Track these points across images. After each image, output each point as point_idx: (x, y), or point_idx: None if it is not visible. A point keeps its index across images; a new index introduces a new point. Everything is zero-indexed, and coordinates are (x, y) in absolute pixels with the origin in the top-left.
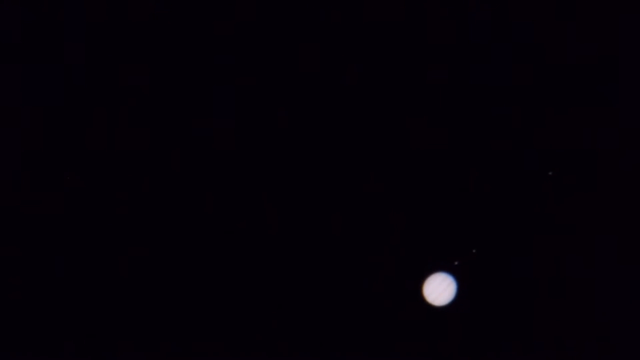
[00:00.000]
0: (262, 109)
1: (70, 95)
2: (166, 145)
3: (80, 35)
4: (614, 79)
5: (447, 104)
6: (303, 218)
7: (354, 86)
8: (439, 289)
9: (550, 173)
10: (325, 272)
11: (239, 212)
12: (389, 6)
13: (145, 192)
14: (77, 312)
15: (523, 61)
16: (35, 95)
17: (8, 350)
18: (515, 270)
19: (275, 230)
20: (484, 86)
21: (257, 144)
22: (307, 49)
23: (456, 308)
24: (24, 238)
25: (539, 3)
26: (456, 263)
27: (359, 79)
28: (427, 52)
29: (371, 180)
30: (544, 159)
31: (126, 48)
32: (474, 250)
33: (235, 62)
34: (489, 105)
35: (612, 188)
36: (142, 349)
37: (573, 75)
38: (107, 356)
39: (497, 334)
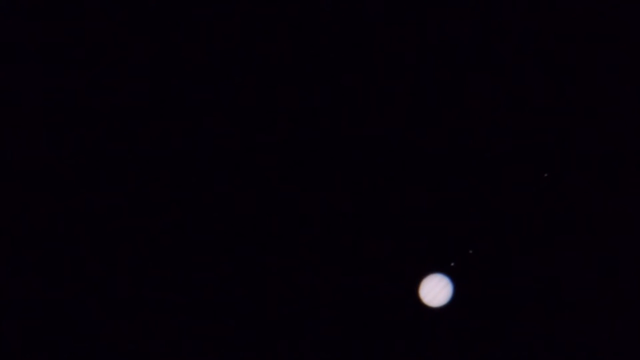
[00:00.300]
0: (261, 109)
1: (70, 95)
2: (166, 145)
3: (80, 35)
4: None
5: (442, 105)
6: (299, 218)
7: (353, 86)
8: (435, 290)
9: (545, 174)
10: (321, 273)
11: (237, 213)
12: (389, 6)
13: (145, 193)
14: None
15: (521, 62)
16: (34, 95)
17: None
18: (512, 271)
19: (272, 230)
20: (482, 86)
21: (256, 144)
22: (306, 49)
23: (452, 309)
24: (23, 238)
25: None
26: (452, 264)
27: (357, 78)
28: (425, 52)
29: (368, 182)
30: (540, 159)
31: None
32: (470, 251)
33: (235, 62)
34: (485, 106)
35: (610, 189)
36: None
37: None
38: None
39: (493, 335)
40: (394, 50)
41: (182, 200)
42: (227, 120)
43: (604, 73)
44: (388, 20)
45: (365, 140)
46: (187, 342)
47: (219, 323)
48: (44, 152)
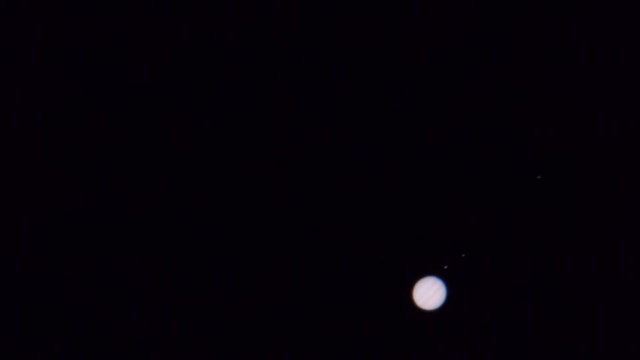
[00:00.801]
0: (261, 109)
1: (70, 96)
2: (167, 145)
3: (81, 35)
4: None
5: (435, 107)
6: (292, 221)
7: (350, 86)
8: (429, 293)
9: (539, 177)
10: (315, 276)
11: (235, 213)
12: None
13: (145, 193)
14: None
15: (519, 62)
16: (35, 96)
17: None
18: (505, 273)
19: (267, 231)
20: (475, 87)
21: (253, 144)
22: (306, 49)
23: (446, 312)
24: (23, 238)
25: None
26: (445, 267)
27: (355, 79)
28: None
29: (361, 184)
30: (533, 162)
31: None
32: (463, 255)
33: (236, 61)
34: (478, 108)
35: (603, 191)
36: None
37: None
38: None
39: (487, 337)
40: (394, 49)
41: (182, 200)
42: (227, 120)
43: (603, 73)
44: (388, 19)
45: (360, 143)
46: (187, 342)
47: (217, 323)
48: (44, 151)
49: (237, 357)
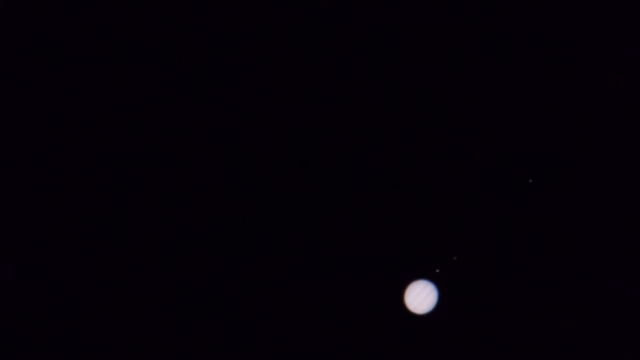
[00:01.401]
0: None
1: (70, 96)
2: (167, 145)
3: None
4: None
5: (431, 109)
6: (293, 221)
7: (350, 86)
8: (420, 297)
9: (530, 180)
10: (307, 278)
11: (233, 214)
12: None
13: (145, 193)
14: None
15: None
16: (35, 96)
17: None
18: (497, 277)
19: (265, 232)
20: (474, 88)
21: (254, 144)
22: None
23: (438, 316)
24: (24, 239)
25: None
26: (437, 271)
27: (356, 78)
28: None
29: (354, 186)
30: (533, 162)
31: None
32: (454, 258)
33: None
34: (475, 110)
35: (602, 191)
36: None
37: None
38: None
39: (479, 341)
40: (394, 49)
41: (182, 201)
42: (227, 120)
43: (603, 73)
44: (388, 19)
45: (360, 143)
46: (187, 342)
47: (217, 323)
48: (44, 151)
49: (237, 357)
